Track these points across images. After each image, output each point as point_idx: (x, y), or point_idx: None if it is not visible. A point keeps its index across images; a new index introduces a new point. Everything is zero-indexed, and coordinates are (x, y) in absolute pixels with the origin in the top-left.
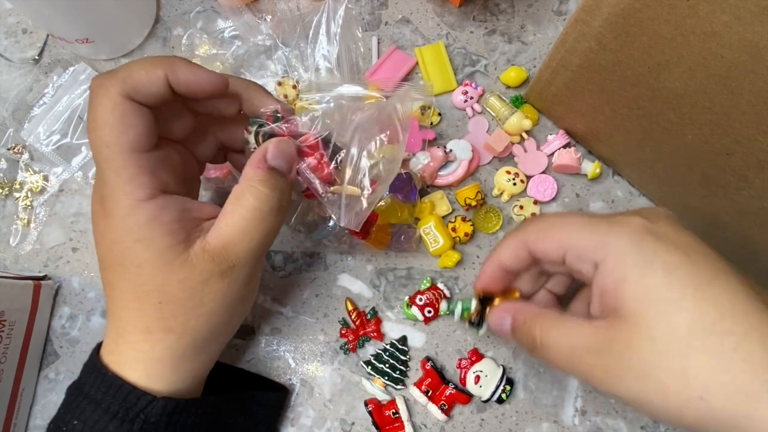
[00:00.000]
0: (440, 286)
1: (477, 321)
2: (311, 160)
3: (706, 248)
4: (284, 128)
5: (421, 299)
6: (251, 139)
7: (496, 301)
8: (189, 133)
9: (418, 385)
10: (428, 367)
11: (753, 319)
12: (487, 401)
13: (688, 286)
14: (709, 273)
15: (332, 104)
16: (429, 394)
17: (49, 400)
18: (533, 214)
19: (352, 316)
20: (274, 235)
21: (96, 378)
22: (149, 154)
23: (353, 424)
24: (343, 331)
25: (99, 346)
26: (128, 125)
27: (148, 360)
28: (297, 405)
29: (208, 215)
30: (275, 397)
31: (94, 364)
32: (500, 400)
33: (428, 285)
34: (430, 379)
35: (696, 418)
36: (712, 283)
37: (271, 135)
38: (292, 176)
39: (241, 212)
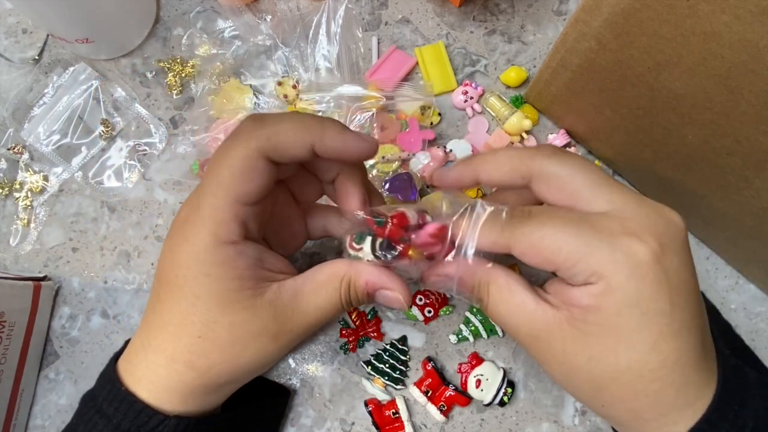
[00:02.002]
0: None
1: (384, 249)
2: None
3: (693, 290)
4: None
5: (421, 299)
6: (365, 249)
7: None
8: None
9: (418, 385)
10: (429, 368)
11: (683, 372)
12: (488, 405)
13: (651, 335)
14: (679, 325)
15: (332, 104)
16: (429, 394)
17: (49, 400)
18: None
19: (352, 316)
20: (328, 322)
21: (110, 392)
22: (251, 207)
23: (353, 424)
24: (343, 331)
25: (117, 354)
26: (248, 180)
27: (162, 386)
28: (297, 405)
29: (280, 269)
30: (282, 403)
31: (110, 376)
32: (502, 403)
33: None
34: (430, 380)
35: (595, 410)
36: (676, 337)
37: (387, 245)
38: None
39: (328, 295)
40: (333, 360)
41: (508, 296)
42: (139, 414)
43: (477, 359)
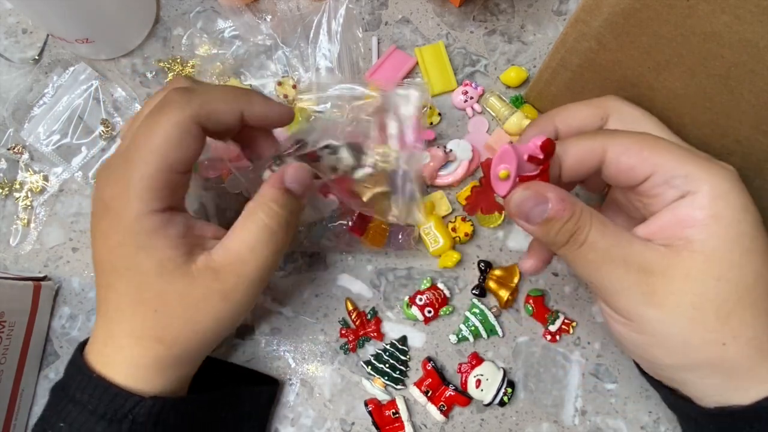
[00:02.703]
0: (440, 286)
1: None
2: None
3: None
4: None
5: (421, 299)
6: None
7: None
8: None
9: (418, 385)
10: (429, 368)
11: None
12: (488, 405)
13: (763, 243)
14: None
15: (332, 104)
16: (429, 394)
17: None
18: None
19: (352, 316)
20: (279, 257)
21: (82, 380)
22: (181, 175)
23: (353, 424)
24: (343, 331)
25: (81, 345)
26: (183, 147)
27: (135, 365)
28: (297, 405)
29: (212, 234)
30: (265, 391)
31: (79, 366)
32: (502, 403)
33: (428, 285)
34: (430, 380)
35: (705, 358)
36: None
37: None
38: (303, 201)
39: (252, 228)
40: (333, 360)
41: (615, 230)
42: (115, 397)
43: (477, 359)
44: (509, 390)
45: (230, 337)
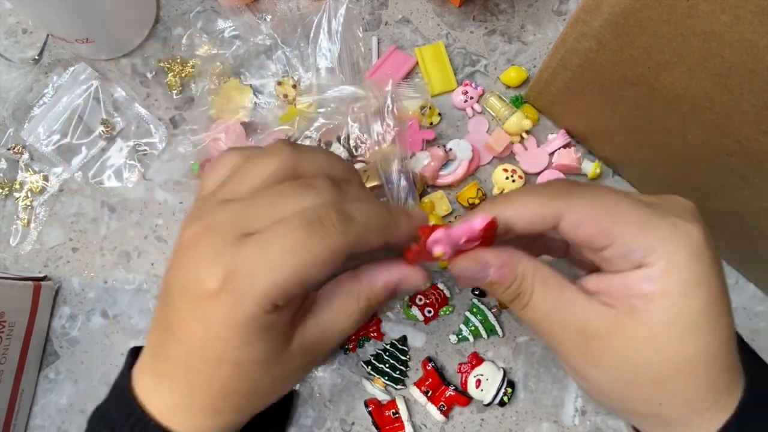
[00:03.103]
0: (440, 286)
1: None
2: None
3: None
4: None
5: (421, 299)
6: None
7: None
8: None
9: (418, 385)
10: (429, 368)
11: (731, 359)
12: (488, 405)
13: (713, 317)
14: (727, 308)
15: (332, 105)
16: (429, 394)
17: (49, 400)
18: None
19: None
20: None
21: (129, 418)
22: (306, 291)
23: (353, 424)
24: None
25: (130, 362)
26: (326, 273)
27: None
28: (297, 405)
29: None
30: (289, 405)
31: (125, 395)
32: (502, 403)
33: (428, 285)
34: (430, 380)
35: (644, 412)
36: (726, 318)
37: None
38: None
39: (350, 313)
40: (333, 360)
41: (558, 291)
42: None
43: (477, 359)
44: (509, 390)
45: None
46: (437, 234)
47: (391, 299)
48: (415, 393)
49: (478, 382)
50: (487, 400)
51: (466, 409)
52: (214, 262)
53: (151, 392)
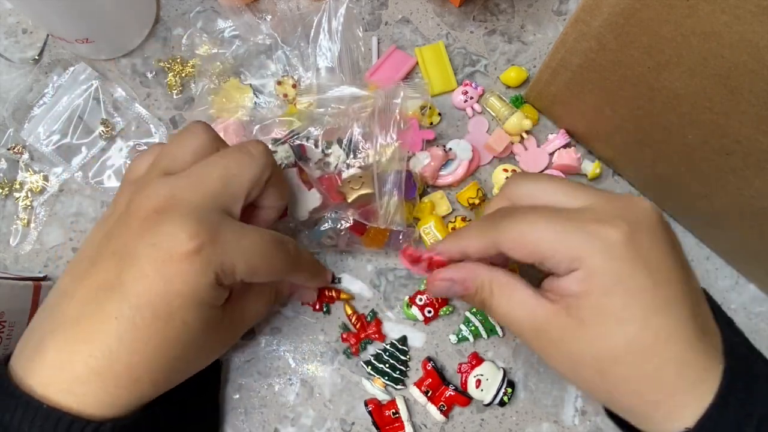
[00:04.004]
0: None
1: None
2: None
3: (675, 269)
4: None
5: (421, 299)
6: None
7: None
8: None
9: (418, 385)
10: (429, 368)
11: (679, 348)
12: (488, 405)
13: (640, 311)
14: (664, 301)
15: (332, 105)
16: (429, 394)
17: None
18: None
19: (352, 320)
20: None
21: (25, 413)
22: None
23: (353, 424)
24: (344, 336)
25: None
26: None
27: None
28: (297, 405)
29: None
30: (212, 370)
31: (12, 392)
32: (502, 403)
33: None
34: (430, 380)
35: (605, 401)
36: (663, 311)
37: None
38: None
39: (265, 300)
40: (333, 360)
41: (510, 294)
42: (70, 427)
43: (477, 359)
44: (509, 390)
45: None
46: (407, 264)
47: (290, 299)
48: (415, 393)
49: (478, 382)
50: (487, 400)
51: (466, 409)
52: (194, 227)
53: (47, 366)
